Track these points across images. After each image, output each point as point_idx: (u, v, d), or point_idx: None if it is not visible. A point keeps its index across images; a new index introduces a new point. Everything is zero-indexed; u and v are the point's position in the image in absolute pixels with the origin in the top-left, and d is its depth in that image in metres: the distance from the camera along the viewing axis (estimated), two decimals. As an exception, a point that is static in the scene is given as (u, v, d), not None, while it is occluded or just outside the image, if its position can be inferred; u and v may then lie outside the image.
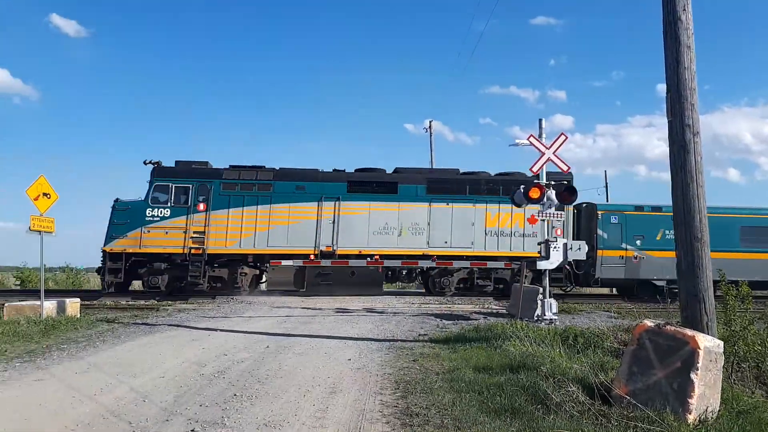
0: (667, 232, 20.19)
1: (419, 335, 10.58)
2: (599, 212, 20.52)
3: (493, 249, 19.61)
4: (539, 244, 13.12)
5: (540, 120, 13.32)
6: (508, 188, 19.16)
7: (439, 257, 19.30)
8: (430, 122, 35.94)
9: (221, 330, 11.07)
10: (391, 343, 9.69)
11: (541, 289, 12.85)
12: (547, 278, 12.81)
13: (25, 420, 5.17)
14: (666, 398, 5.01)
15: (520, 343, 8.61)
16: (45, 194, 12.53)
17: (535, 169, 12.81)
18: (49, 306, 12.47)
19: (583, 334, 9.26)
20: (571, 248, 12.64)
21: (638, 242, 20.31)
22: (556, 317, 12.50)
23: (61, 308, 12.83)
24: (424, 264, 19.41)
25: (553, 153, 12.77)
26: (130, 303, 16.52)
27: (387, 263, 19.17)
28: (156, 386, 6.42)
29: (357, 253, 19.02)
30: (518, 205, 13.76)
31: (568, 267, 19.71)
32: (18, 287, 26.45)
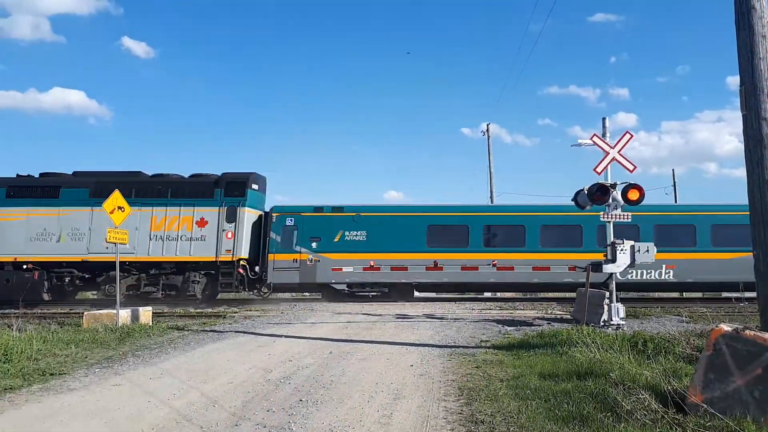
0: (346, 233, 19.59)
1: (481, 341, 10.47)
2: (274, 215, 19.98)
3: (158, 254, 19.09)
4: (605, 246, 12.75)
5: (603, 119, 12.99)
6: (174, 190, 19.27)
7: (98, 264, 18.92)
8: (487, 125, 35.65)
9: (285, 336, 11.32)
10: (453, 349, 9.64)
11: (607, 294, 12.47)
12: (614, 282, 12.42)
13: (105, 423, 5.46)
14: (746, 406, 4.75)
15: (586, 349, 8.36)
16: (119, 208, 13.22)
17: (599, 169, 12.45)
18: (123, 314, 13.12)
19: (652, 340, 8.90)
20: (638, 250, 12.19)
21: (314, 245, 19.60)
22: (623, 322, 12.10)
23: (134, 316, 13.47)
24: (86, 271, 19.33)
25: (618, 152, 12.40)
26: (199, 311, 17.14)
27: (51, 271, 19.10)
28: (225, 392, 6.64)
29: (12, 260, 18.96)
30: (582, 207, 13.40)
31: (242, 271, 19.29)
32: (95, 297, 27.89)
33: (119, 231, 13.13)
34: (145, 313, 13.91)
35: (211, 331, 12.35)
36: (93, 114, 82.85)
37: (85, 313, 13.39)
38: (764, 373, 4.73)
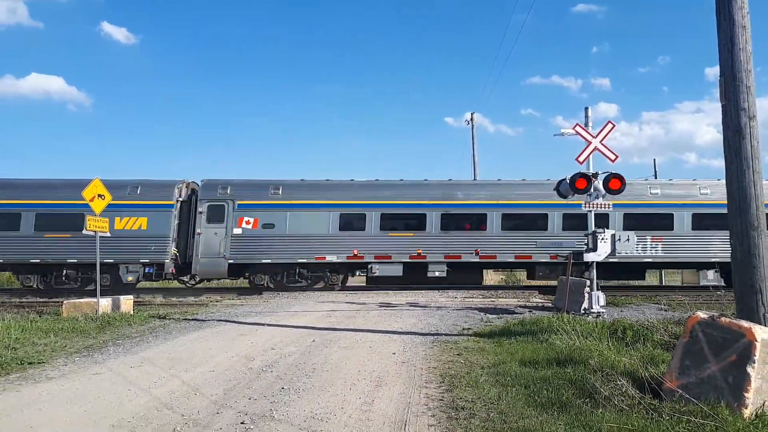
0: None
1: (463, 329, 10.54)
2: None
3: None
4: (586, 235, 12.88)
5: (586, 109, 13.06)
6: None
7: None
8: (471, 114, 35.67)
9: (268, 325, 11.30)
10: (435, 337, 9.70)
11: (588, 282, 12.61)
12: (594, 270, 12.56)
13: (85, 412, 5.41)
14: (720, 392, 4.85)
15: (566, 336, 8.47)
16: (100, 195, 13.04)
17: (581, 159, 12.56)
18: (104, 303, 12.99)
19: (632, 327, 9.04)
20: (619, 239, 12.35)
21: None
22: (603, 310, 12.26)
23: (115, 305, 13.34)
24: None
25: (600, 142, 12.50)
26: (181, 300, 17.04)
27: None
28: (206, 380, 6.61)
29: None
30: (564, 197, 13.50)
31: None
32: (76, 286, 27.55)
33: (99, 219, 12.96)
34: (126, 302, 13.78)
35: (193, 319, 12.28)
36: (72, 100, 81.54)
37: (64, 302, 13.22)
38: (738, 360, 4.82)
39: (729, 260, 6.50)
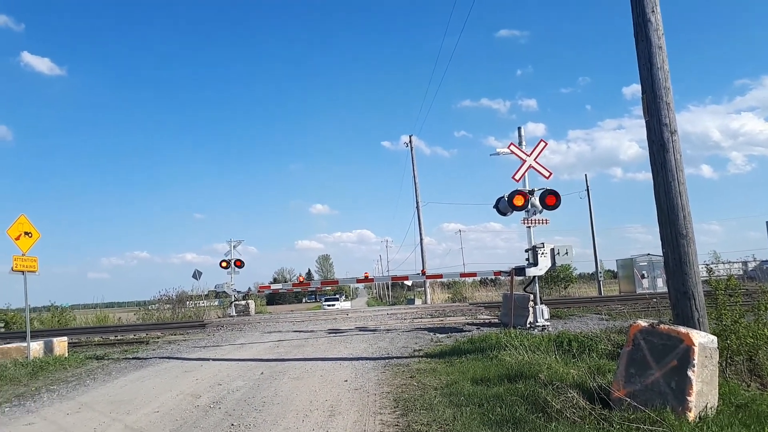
0: None
1: (414, 351, 10.52)
2: None
3: None
4: (526, 250, 13.18)
5: (519, 128, 13.46)
6: None
7: None
8: (410, 137, 36.20)
9: (213, 359, 10.92)
10: (387, 360, 9.63)
11: (531, 296, 12.88)
12: (537, 284, 12.85)
13: (18, 467, 5.03)
14: (665, 398, 5.00)
15: (515, 351, 8.59)
16: (26, 233, 12.34)
17: (517, 177, 12.90)
18: (35, 347, 12.23)
19: (576, 339, 9.27)
20: (558, 253, 12.71)
21: None
22: (548, 323, 12.52)
23: (48, 348, 12.59)
24: None
25: (534, 160, 12.88)
26: (119, 338, 16.26)
27: None
28: (151, 422, 6.29)
29: None
30: (503, 214, 13.80)
31: None
32: (2, 329, 25.94)
33: (27, 258, 12.26)
34: (60, 344, 13.03)
35: (133, 358, 11.73)
36: (-7, 133, 77.34)
37: (-10, 348, 12.36)
38: (679, 365, 5.00)
39: None
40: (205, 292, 29.21)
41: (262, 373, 8.99)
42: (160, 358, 11.58)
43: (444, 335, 12.72)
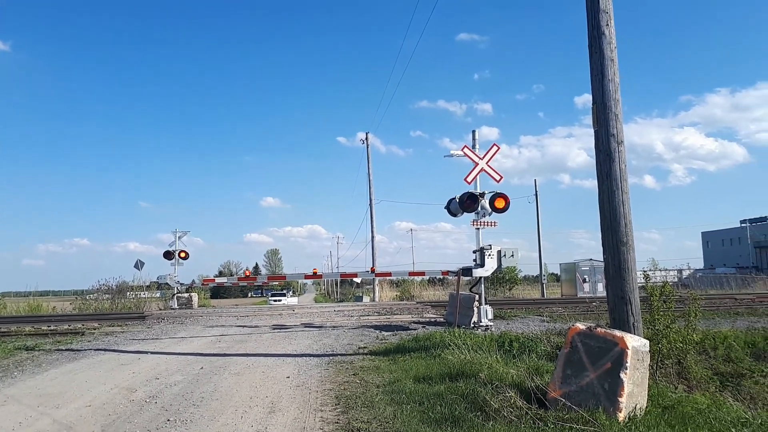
0: None
1: (359, 348, 10.51)
2: None
3: None
4: (474, 252, 13.37)
5: (473, 131, 13.63)
6: None
7: None
8: (366, 134, 36.24)
9: (152, 352, 10.61)
10: (331, 357, 9.58)
11: (477, 297, 13.07)
12: (482, 285, 13.05)
13: (-68, 462, 4.75)
14: (598, 398, 5.17)
15: (458, 350, 8.69)
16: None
17: (469, 179, 13.06)
18: (-40, 336, 11.58)
19: (518, 339, 9.46)
20: (504, 255, 12.94)
21: None
22: (491, 323, 12.74)
23: (-27, 337, 11.94)
24: None
25: (486, 163, 13.08)
26: (52, 328, 15.58)
27: None
28: (81, 416, 6.05)
29: None
30: (454, 215, 13.96)
31: None
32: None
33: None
34: (-13, 334, 12.38)
35: (67, 350, 11.27)
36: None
37: None
38: (612, 367, 5.17)
39: None
40: (147, 283, 28.31)
41: (202, 368, 8.79)
42: (95, 350, 11.17)
43: (390, 333, 12.77)
